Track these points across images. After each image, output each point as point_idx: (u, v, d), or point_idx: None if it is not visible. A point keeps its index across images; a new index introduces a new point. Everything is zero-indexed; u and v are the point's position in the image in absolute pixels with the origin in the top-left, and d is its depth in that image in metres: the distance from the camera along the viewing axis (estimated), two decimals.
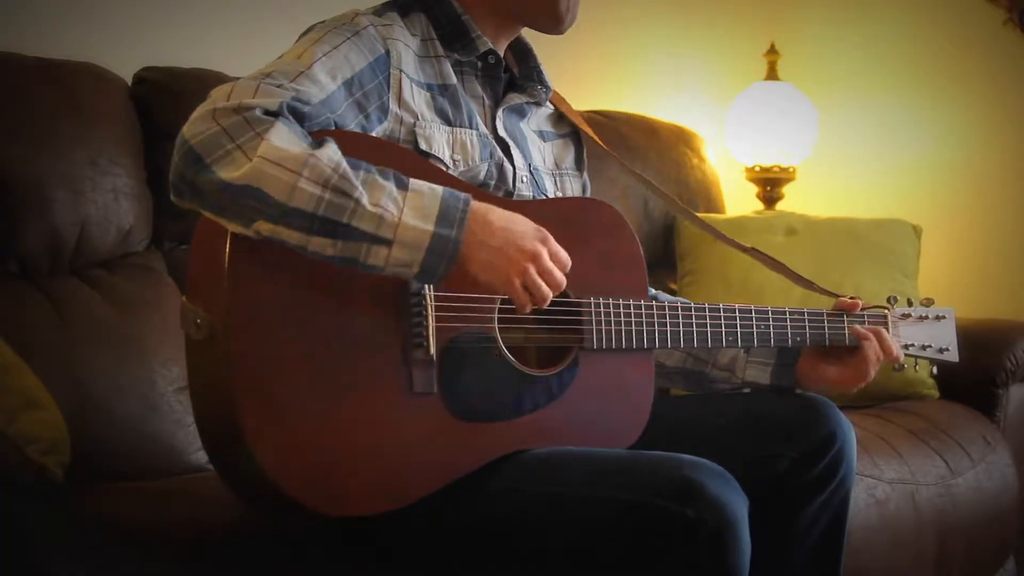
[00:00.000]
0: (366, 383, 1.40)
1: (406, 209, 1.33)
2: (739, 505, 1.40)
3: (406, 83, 1.53)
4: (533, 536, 1.46)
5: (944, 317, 1.88)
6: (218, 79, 2.19)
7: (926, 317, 1.86)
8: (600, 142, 1.79)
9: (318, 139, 1.36)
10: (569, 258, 1.44)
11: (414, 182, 1.36)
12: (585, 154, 1.82)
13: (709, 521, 1.36)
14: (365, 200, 1.32)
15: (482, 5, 1.62)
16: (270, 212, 1.31)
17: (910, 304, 1.86)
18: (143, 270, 2.10)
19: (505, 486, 1.47)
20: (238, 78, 1.41)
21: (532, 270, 1.40)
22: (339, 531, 1.45)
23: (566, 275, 1.44)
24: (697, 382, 1.82)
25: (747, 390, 1.79)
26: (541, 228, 1.42)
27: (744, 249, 1.84)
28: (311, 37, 1.50)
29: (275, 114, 1.34)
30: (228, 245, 1.35)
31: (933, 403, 2.68)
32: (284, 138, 1.32)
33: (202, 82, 2.19)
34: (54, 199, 1.98)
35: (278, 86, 1.38)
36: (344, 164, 1.33)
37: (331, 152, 1.33)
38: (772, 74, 3.39)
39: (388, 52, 1.52)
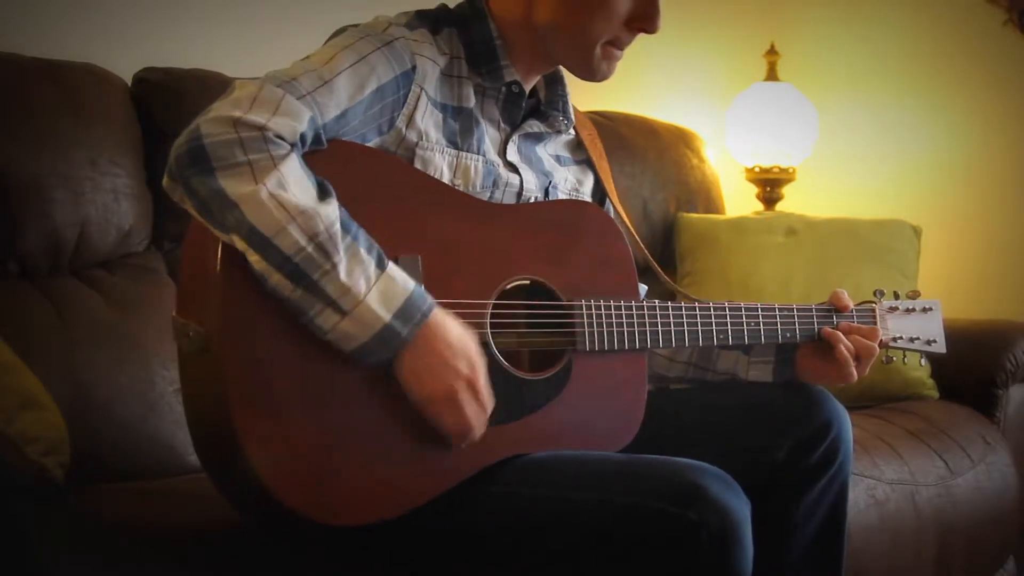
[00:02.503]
0: (361, 392, 1.40)
1: (374, 290, 1.35)
2: (741, 508, 1.40)
3: (423, 101, 1.53)
4: (532, 540, 1.46)
5: (931, 309, 1.88)
6: (218, 79, 2.19)
7: (913, 309, 1.86)
8: (610, 181, 1.79)
9: (324, 186, 1.37)
10: (489, 400, 1.43)
11: (393, 267, 1.38)
12: (605, 182, 1.80)
13: (711, 524, 1.36)
14: (341, 268, 1.34)
15: (519, 39, 1.61)
16: (249, 237, 1.32)
17: (896, 297, 1.87)
18: (143, 270, 2.10)
19: (505, 490, 1.47)
20: (238, 79, 1.42)
21: (443, 405, 1.40)
22: (338, 533, 1.45)
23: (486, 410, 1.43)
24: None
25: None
26: (475, 363, 1.41)
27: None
28: (341, 42, 1.49)
29: (291, 144, 1.36)
30: (219, 258, 1.35)
31: (933, 403, 2.68)
32: (294, 175, 1.34)
33: (202, 82, 2.19)
34: (54, 199, 1.98)
35: (300, 97, 1.39)
36: (336, 226, 1.34)
37: (330, 211, 1.35)
38: (772, 74, 3.39)
39: (414, 68, 1.52)
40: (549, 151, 1.73)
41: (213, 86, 2.14)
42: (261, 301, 1.36)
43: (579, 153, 1.79)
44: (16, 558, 1.33)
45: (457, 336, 1.41)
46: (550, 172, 1.70)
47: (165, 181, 1.37)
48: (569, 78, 1.70)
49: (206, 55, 2.36)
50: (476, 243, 1.52)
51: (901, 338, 1.84)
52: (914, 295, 1.88)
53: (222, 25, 2.52)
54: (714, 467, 1.43)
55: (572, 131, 1.76)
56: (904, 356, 1.87)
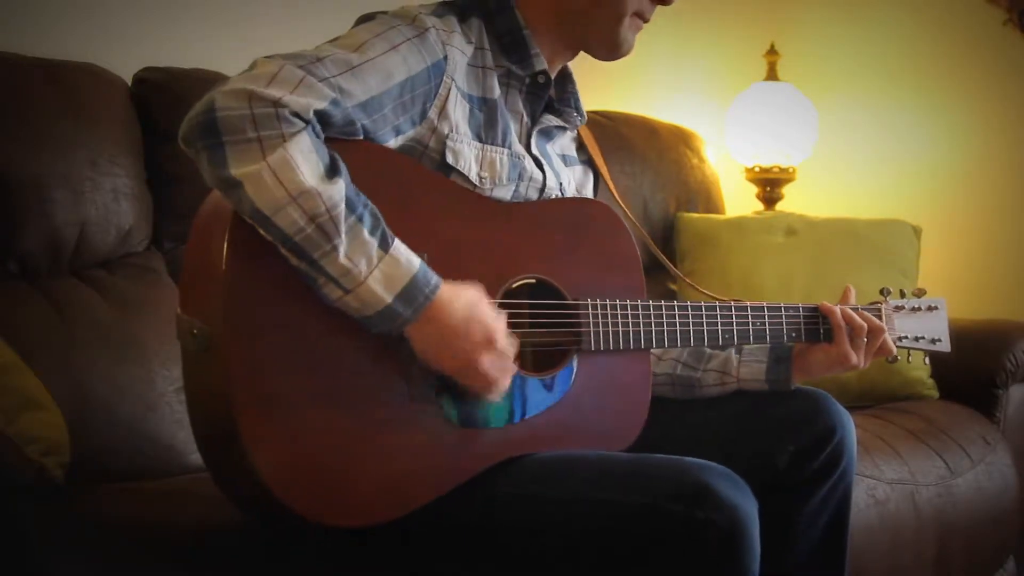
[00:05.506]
0: (365, 393, 1.40)
1: (376, 272, 1.35)
2: (749, 507, 1.40)
3: (453, 92, 1.52)
4: (540, 540, 1.46)
5: (936, 307, 1.88)
6: (218, 79, 2.18)
7: (919, 308, 1.86)
8: (611, 184, 1.79)
9: (335, 164, 1.35)
10: (509, 351, 1.44)
11: (397, 247, 1.37)
12: (602, 184, 1.82)
13: (719, 522, 1.36)
14: (341, 251, 1.33)
15: (545, 25, 1.61)
16: (252, 214, 1.33)
17: (903, 295, 1.86)
18: (143, 270, 2.10)
19: (512, 490, 1.47)
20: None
21: (466, 372, 1.42)
22: (342, 532, 1.45)
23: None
24: (687, 388, 1.78)
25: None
26: (489, 326, 1.41)
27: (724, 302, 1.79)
28: (372, 28, 1.48)
29: (306, 121, 1.35)
30: (224, 255, 1.35)
31: (933, 403, 2.68)
32: (302, 154, 1.33)
33: (202, 82, 2.19)
34: (54, 199, 1.98)
35: (323, 80, 1.37)
36: (341, 207, 1.33)
37: (334, 191, 1.33)
38: (772, 74, 3.39)
39: (446, 58, 1.51)
40: (557, 150, 1.73)
41: (213, 87, 2.13)
42: (266, 302, 1.36)
43: (582, 153, 1.80)
44: (16, 558, 1.33)
45: (467, 307, 1.41)
46: (559, 172, 1.70)
47: (180, 142, 1.36)
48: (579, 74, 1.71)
49: (206, 55, 2.35)
50: (482, 242, 1.52)
51: (906, 337, 1.83)
52: (919, 293, 1.87)
53: (222, 25, 2.52)
54: (721, 466, 1.43)
55: (575, 130, 1.77)
56: (908, 355, 1.86)
